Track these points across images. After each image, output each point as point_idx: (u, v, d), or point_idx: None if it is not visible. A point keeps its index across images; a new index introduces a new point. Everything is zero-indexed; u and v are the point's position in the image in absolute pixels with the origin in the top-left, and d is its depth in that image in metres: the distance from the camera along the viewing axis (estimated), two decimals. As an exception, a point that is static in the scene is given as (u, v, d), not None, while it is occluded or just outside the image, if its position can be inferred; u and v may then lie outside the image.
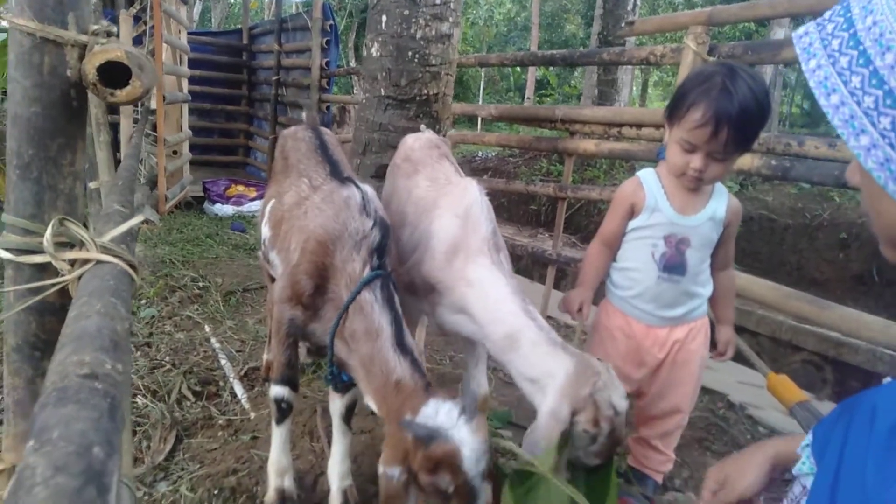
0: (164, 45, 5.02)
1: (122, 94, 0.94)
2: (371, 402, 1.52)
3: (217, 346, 2.95)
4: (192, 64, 7.18)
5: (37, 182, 1.00)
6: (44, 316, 1.05)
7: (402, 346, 1.49)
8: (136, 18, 5.13)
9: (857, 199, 5.96)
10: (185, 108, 6.28)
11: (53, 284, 1.00)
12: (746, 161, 2.79)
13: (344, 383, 1.69)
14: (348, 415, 1.86)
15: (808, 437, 1.02)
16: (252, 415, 2.43)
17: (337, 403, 1.85)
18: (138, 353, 2.85)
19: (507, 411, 2.43)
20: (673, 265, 1.76)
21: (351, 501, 1.84)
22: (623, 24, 3.63)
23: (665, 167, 1.77)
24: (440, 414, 1.34)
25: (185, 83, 6.27)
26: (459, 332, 1.82)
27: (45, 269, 1.02)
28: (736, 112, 1.50)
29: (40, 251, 1.00)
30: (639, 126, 3.29)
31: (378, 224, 1.64)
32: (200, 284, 3.69)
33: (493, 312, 1.62)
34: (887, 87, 0.59)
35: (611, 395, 1.45)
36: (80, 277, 1.01)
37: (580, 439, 1.46)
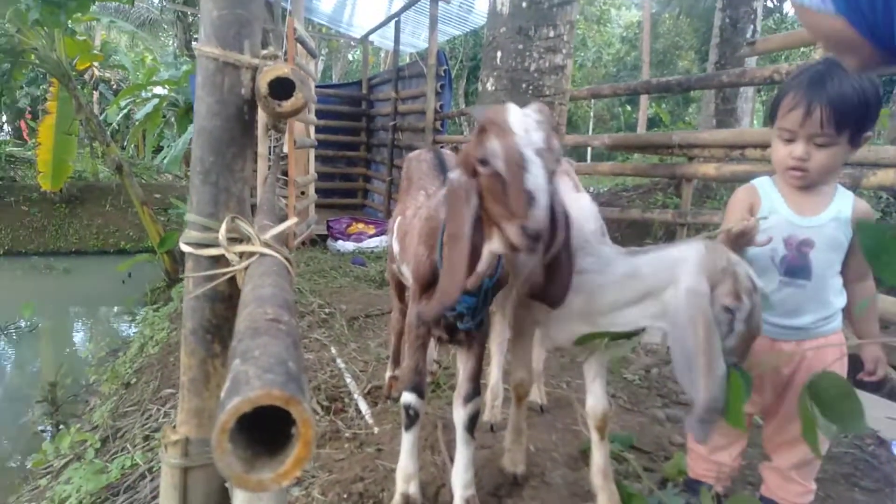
0: (296, 95, 5.50)
1: (287, 105, 1.08)
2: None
3: (342, 365, 3.12)
4: (318, 114, 7.77)
5: (215, 185, 1.16)
6: (215, 303, 1.20)
7: None
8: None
9: None
10: (312, 152, 6.78)
11: (225, 273, 1.15)
12: (889, 177, 2.62)
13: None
14: (471, 424, 1.88)
15: None
16: (376, 429, 2.53)
17: (460, 413, 1.88)
18: (273, 370, 3.08)
19: (628, 435, 2.37)
20: (795, 268, 1.67)
21: None
22: (744, 45, 3.55)
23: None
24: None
25: (312, 130, 6.79)
26: (572, 336, 1.79)
27: (218, 261, 1.17)
28: (827, 89, 1.49)
29: (215, 245, 1.16)
30: (763, 147, 3.17)
31: None
32: (327, 311, 3.93)
33: (608, 269, 1.60)
34: None
35: (746, 268, 1.40)
36: (246, 268, 1.15)
37: (718, 324, 1.38)
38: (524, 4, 3.24)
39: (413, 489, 1.93)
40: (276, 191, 5.43)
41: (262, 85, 1.07)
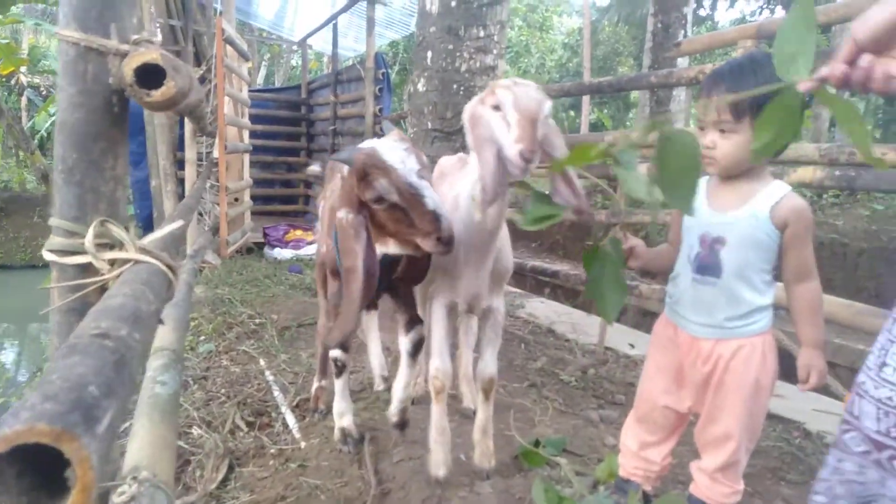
0: (227, 97, 5.30)
1: (156, 94, 0.98)
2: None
3: (271, 378, 2.98)
4: (255, 119, 7.54)
5: (79, 185, 1.04)
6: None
7: None
8: (202, 79, 5.47)
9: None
10: (247, 158, 6.57)
11: (93, 283, 1.03)
12: (808, 174, 2.66)
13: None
14: (414, 350, 2.07)
15: None
16: (302, 444, 2.41)
17: (404, 341, 2.09)
18: (195, 385, 2.91)
19: (561, 438, 2.33)
20: (706, 265, 1.66)
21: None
22: (672, 47, 3.59)
23: None
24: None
25: (245, 135, 6.57)
26: (481, 283, 1.95)
27: (87, 270, 1.05)
28: (724, 77, 1.55)
29: (82, 252, 1.04)
30: (691, 146, 3.20)
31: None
32: (257, 321, 3.77)
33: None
34: None
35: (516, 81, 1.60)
36: (119, 277, 1.04)
37: (504, 122, 1.55)
38: (453, 3, 3.19)
39: (347, 422, 2.31)
40: (210, 197, 5.20)
41: (127, 72, 0.96)
